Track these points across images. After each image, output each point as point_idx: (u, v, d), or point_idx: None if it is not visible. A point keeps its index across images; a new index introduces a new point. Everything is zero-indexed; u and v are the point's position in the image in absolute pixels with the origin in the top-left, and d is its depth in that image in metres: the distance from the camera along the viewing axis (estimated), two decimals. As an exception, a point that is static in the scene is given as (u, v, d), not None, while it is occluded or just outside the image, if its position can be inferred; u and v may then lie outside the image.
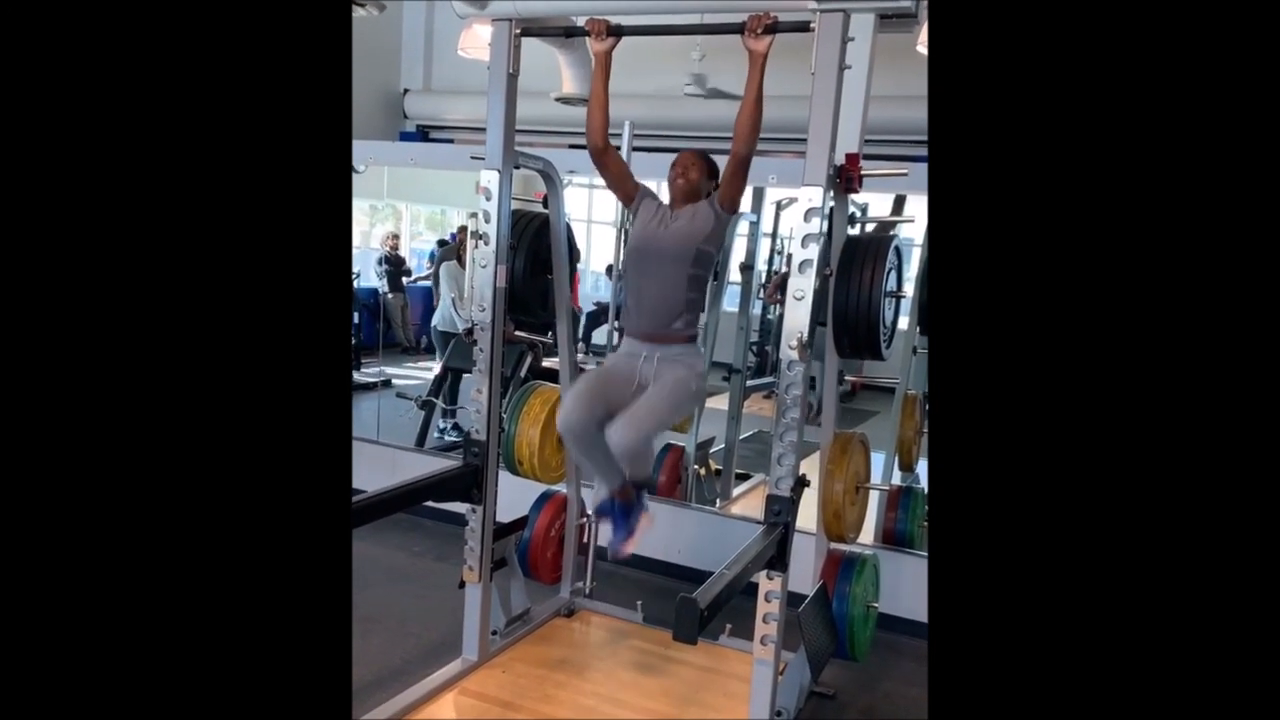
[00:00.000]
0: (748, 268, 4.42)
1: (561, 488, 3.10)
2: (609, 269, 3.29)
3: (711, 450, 4.37)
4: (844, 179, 2.28)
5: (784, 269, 4.54)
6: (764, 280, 4.82)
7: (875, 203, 3.92)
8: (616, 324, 2.52)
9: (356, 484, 2.36)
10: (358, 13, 4.15)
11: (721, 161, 2.37)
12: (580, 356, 6.43)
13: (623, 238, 3.03)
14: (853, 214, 2.66)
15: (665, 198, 2.48)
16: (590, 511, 2.55)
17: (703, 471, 4.25)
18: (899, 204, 3.71)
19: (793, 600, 2.32)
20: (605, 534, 2.52)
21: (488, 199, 2.50)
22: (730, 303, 4.50)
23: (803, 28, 2.10)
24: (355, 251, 6.09)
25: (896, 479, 3.89)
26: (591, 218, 8.44)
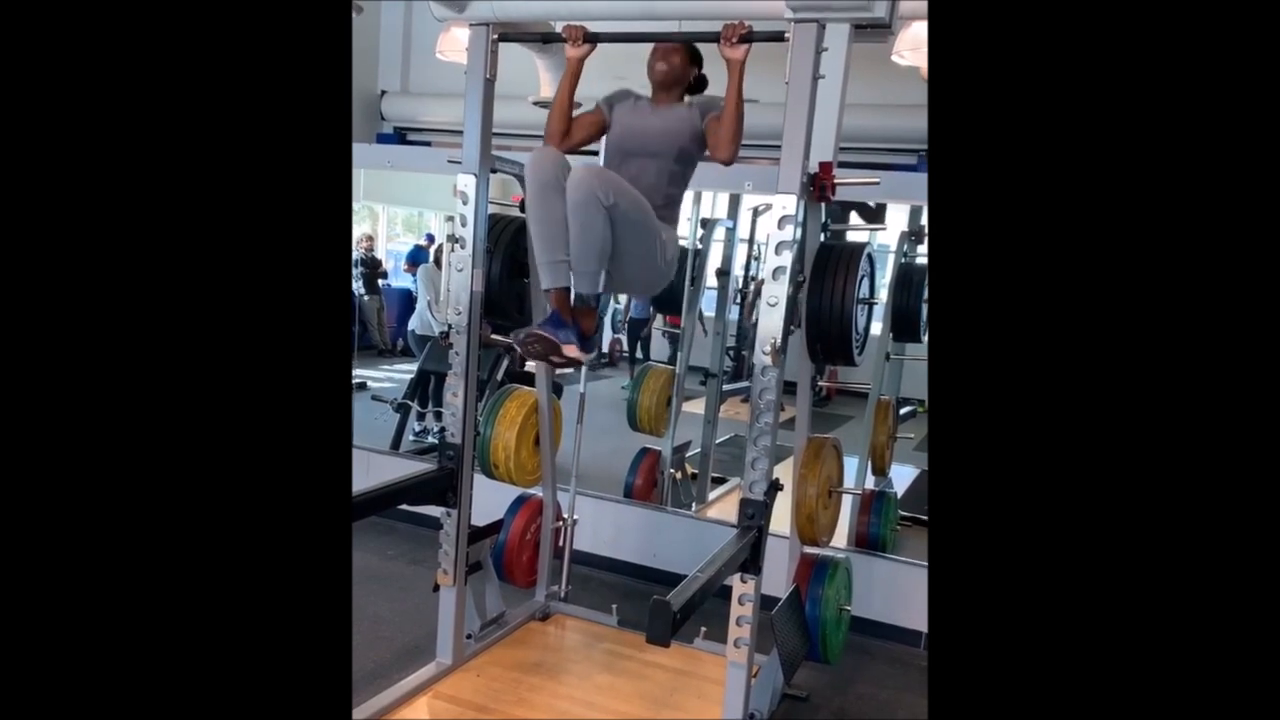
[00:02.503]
0: (724, 273, 4.45)
1: (537, 491, 3.10)
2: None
3: (688, 454, 4.39)
4: (817, 187, 2.31)
5: (760, 279, 4.57)
6: (740, 285, 4.85)
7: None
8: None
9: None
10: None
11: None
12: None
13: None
14: (825, 220, 2.68)
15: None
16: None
17: (679, 475, 4.26)
18: (874, 211, 3.76)
19: (766, 603, 2.34)
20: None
21: (465, 203, 2.50)
22: (708, 308, 4.52)
23: (777, 37, 2.12)
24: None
25: (869, 483, 3.94)
26: (570, 221, 8.38)
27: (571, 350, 2.25)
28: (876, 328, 3.20)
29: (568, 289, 2.21)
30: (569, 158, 2.28)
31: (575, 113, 2.39)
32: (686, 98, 2.38)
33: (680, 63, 2.34)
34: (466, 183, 2.49)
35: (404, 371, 5.41)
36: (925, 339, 4.00)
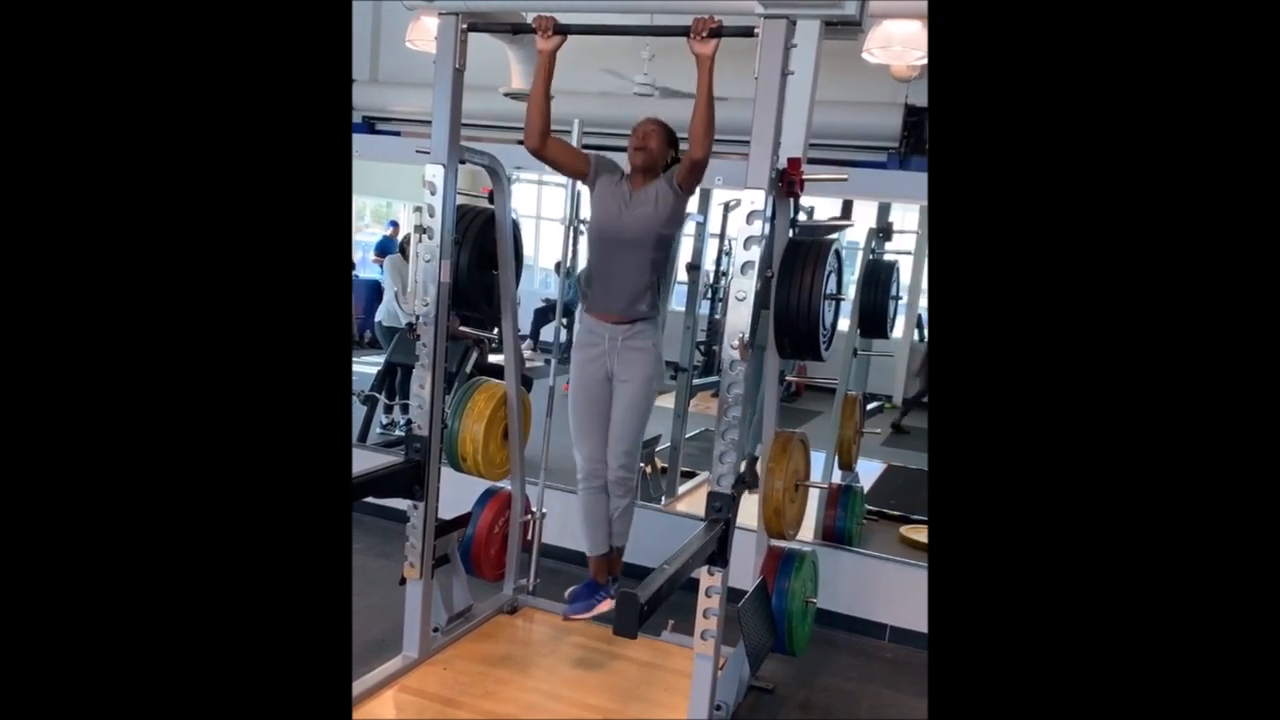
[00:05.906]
0: (694, 267, 4.46)
1: (505, 484, 3.09)
2: (557, 265, 3.30)
3: (658, 448, 4.40)
4: (786, 182, 2.32)
5: (728, 271, 4.60)
6: (711, 280, 4.86)
7: (821, 206, 4.00)
8: (583, 295, 2.60)
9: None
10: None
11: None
12: (528, 353, 6.39)
13: (570, 234, 3.04)
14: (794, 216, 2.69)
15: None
16: (565, 595, 2.78)
17: (649, 469, 4.27)
18: (847, 208, 3.79)
19: (733, 596, 2.35)
20: (568, 604, 2.75)
21: (432, 193, 2.48)
22: (677, 302, 4.53)
23: (747, 33, 2.13)
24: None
25: (836, 477, 3.98)
26: (540, 214, 8.39)
27: (606, 605, 2.70)
28: (844, 324, 3.22)
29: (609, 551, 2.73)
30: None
31: (563, 132, 2.49)
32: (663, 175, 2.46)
33: (657, 146, 2.46)
34: (435, 173, 2.47)
35: (371, 363, 5.35)
36: (893, 335, 4.04)
